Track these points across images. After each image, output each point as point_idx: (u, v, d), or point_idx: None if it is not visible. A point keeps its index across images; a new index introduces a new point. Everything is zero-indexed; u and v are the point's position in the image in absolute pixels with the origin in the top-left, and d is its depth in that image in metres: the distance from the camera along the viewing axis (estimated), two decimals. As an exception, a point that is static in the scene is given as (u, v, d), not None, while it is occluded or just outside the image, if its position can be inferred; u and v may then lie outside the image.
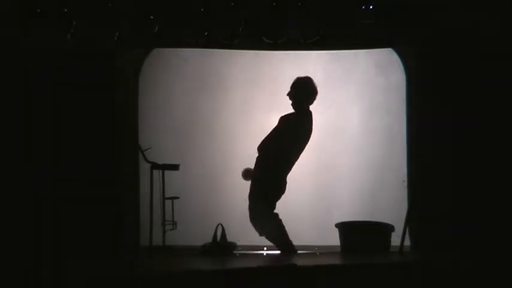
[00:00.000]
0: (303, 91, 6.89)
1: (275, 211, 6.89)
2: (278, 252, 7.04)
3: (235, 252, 7.18)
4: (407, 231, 7.06)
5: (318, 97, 7.90)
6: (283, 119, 6.88)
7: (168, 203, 7.32)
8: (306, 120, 6.88)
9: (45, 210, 6.83)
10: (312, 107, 7.07)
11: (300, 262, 6.37)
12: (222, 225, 7.23)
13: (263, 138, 6.92)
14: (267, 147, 6.86)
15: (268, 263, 6.53)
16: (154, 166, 7.29)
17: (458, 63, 7.04)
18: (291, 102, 6.91)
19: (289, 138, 6.80)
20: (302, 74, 7.08)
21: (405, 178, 7.48)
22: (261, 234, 6.89)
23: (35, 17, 6.52)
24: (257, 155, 6.92)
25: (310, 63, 7.94)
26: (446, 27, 6.98)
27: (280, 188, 6.84)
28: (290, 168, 6.87)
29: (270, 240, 6.94)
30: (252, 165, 7.05)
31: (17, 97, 6.88)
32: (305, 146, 6.89)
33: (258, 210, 6.80)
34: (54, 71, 6.94)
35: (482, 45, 6.94)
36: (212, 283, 5.52)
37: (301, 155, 6.96)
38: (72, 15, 6.59)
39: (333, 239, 7.20)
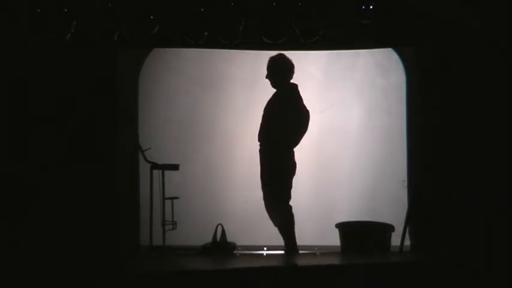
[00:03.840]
0: (279, 68, 6.94)
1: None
2: (278, 252, 7.04)
3: (235, 252, 7.18)
4: (407, 231, 7.07)
5: (317, 96, 7.94)
6: (267, 103, 6.95)
7: (168, 203, 7.32)
8: (288, 94, 6.91)
9: (45, 209, 6.83)
10: (312, 107, 7.06)
11: (300, 262, 6.39)
12: (222, 225, 7.23)
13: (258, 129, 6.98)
14: (263, 134, 6.90)
15: (268, 263, 6.53)
16: (154, 166, 7.29)
17: (458, 63, 7.04)
18: (270, 83, 6.96)
19: (278, 117, 6.84)
20: (302, 74, 7.08)
21: (405, 178, 7.48)
22: (275, 225, 6.89)
23: (35, 17, 6.52)
24: (259, 147, 6.94)
25: (310, 63, 7.94)
26: (446, 27, 6.98)
27: (289, 167, 6.84)
28: (293, 146, 6.87)
29: (280, 231, 6.92)
30: (252, 164, 7.06)
31: (17, 97, 6.88)
32: (299, 119, 6.88)
33: (271, 198, 6.80)
34: (54, 71, 6.94)
35: (482, 44, 6.94)
36: (212, 283, 5.52)
37: (302, 150, 6.96)
38: (72, 15, 6.59)
39: (333, 239, 7.20)
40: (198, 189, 7.92)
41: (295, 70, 7.04)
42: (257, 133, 6.99)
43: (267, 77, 6.97)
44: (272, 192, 6.83)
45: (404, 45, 7.34)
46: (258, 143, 6.98)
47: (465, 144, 7.01)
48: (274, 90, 7.02)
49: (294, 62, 7.06)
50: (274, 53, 7.10)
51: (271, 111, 6.92)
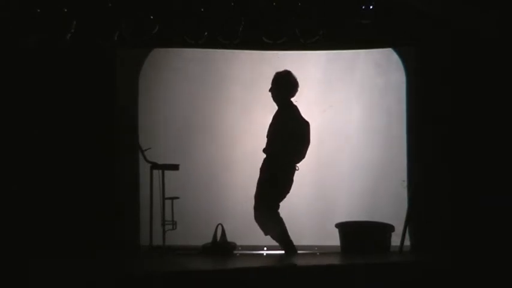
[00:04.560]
0: (283, 85, 6.92)
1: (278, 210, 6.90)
2: (278, 252, 7.04)
3: (235, 252, 7.18)
4: (407, 231, 7.07)
5: (317, 96, 7.94)
6: (270, 124, 6.96)
7: (168, 203, 7.32)
8: (289, 112, 6.92)
9: (45, 210, 6.83)
10: (312, 107, 7.07)
11: (300, 262, 6.38)
12: (222, 225, 7.23)
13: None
14: (269, 148, 6.89)
15: (268, 263, 6.53)
16: (154, 166, 7.29)
17: (458, 63, 7.04)
18: (272, 97, 6.95)
19: (279, 133, 6.85)
20: (302, 74, 7.09)
21: (405, 178, 7.48)
22: (266, 234, 6.89)
23: (35, 17, 6.52)
24: (264, 156, 6.94)
25: (310, 63, 7.94)
26: (446, 27, 6.98)
27: (285, 186, 6.85)
28: (298, 159, 6.87)
29: (274, 239, 6.93)
30: (252, 164, 7.06)
31: (17, 97, 6.88)
32: (301, 139, 6.87)
33: (262, 210, 6.81)
34: (54, 71, 6.94)
35: (482, 45, 6.94)
36: (212, 283, 5.52)
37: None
38: (72, 15, 6.59)
39: (333, 239, 7.20)
40: (198, 189, 7.92)
41: (295, 70, 7.03)
42: (256, 133, 7.00)
43: (270, 90, 6.95)
44: (269, 202, 6.82)
45: (404, 45, 7.35)
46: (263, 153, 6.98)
47: (465, 144, 7.01)
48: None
49: (293, 61, 7.06)
50: (274, 53, 7.10)
51: (275, 126, 6.91)
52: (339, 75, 8.13)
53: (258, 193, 6.85)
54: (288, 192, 6.86)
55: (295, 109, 6.94)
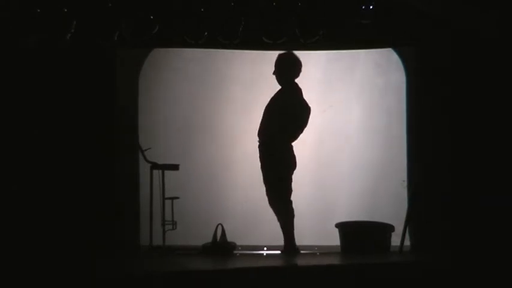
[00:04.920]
0: (286, 65, 6.96)
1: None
2: (278, 252, 7.04)
3: (235, 252, 7.18)
4: (407, 231, 7.07)
5: (317, 96, 7.94)
6: (270, 100, 7.00)
7: (168, 203, 7.32)
8: (292, 92, 6.95)
9: (45, 210, 6.83)
10: (312, 107, 7.07)
11: (300, 262, 6.39)
12: (222, 225, 7.22)
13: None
14: (264, 130, 6.94)
15: (268, 263, 6.53)
16: (154, 166, 7.29)
17: (458, 63, 7.04)
18: (276, 79, 6.98)
19: (279, 112, 6.88)
20: (302, 74, 7.09)
21: (405, 178, 7.48)
22: (278, 220, 6.92)
23: (35, 17, 6.53)
24: (258, 142, 6.97)
25: (310, 63, 7.94)
26: (446, 27, 6.98)
27: (289, 162, 6.88)
28: (292, 141, 6.90)
29: (281, 227, 6.93)
30: (252, 164, 7.06)
31: (17, 97, 6.88)
32: (300, 122, 6.90)
33: (271, 195, 6.83)
34: (54, 71, 6.94)
35: (482, 45, 6.94)
36: (212, 283, 5.53)
37: (302, 150, 6.98)
38: (72, 15, 6.59)
39: (333, 239, 7.20)
40: (198, 189, 7.92)
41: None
42: (257, 131, 7.01)
43: (274, 72, 6.98)
44: (273, 186, 6.85)
45: (404, 45, 7.35)
46: (257, 139, 6.99)
47: (465, 144, 7.01)
48: (277, 87, 7.03)
49: (293, 61, 7.07)
50: (273, 53, 7.11)
51: (273, 106, 6.95)
52: (339, 75, 8.13)
53: (264, 180, 6.87)
54: (293, 168, 6.88)
55: (298, 91, 6.96)
